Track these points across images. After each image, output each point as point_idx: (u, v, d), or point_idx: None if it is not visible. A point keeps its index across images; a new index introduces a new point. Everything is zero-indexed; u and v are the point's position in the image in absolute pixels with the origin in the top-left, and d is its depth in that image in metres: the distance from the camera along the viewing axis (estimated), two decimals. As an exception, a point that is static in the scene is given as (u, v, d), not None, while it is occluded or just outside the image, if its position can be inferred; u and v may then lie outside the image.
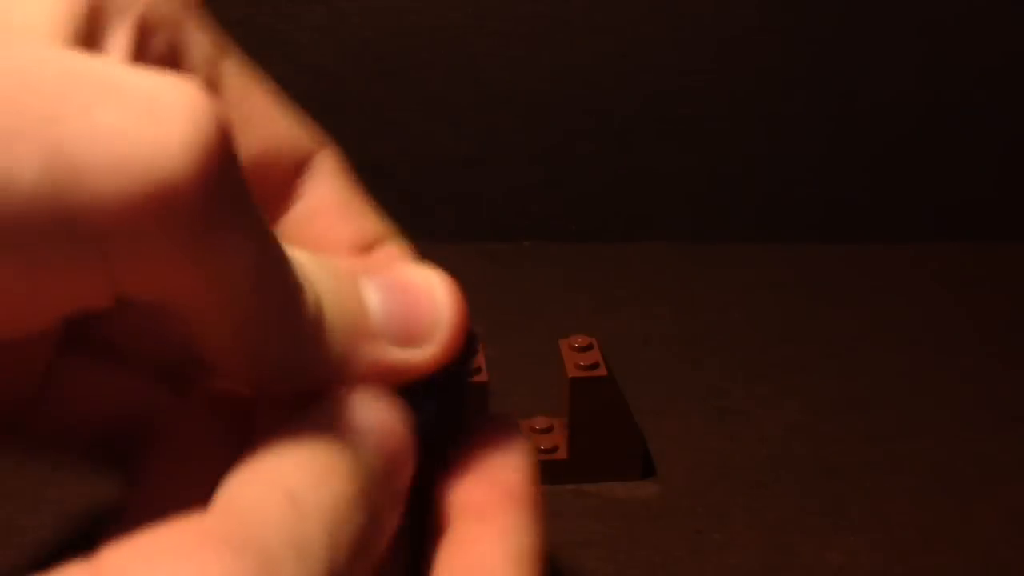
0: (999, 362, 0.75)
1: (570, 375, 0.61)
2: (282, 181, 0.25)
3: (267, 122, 0.25)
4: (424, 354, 0.23)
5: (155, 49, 0.23)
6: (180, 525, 0.18)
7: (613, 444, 0.63)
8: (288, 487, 0.19)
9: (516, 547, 0.22)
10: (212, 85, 0.24)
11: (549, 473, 0.63)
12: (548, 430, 0.65)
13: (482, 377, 0.61)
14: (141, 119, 0.17)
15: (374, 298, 0.23)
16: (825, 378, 0.73)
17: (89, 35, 0.22)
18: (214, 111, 0.18)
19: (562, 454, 0.63)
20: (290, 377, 0.21)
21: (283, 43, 0.89)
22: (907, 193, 0.91)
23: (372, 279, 0.23)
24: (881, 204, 0.92)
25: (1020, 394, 0.72)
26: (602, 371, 0.61)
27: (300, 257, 0.22)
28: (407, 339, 0.23)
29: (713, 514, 0.61)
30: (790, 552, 0.59)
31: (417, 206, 0.91)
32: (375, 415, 0.22)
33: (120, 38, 0.23)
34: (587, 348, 0.62)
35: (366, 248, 0.26)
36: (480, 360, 0.62)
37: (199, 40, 0.25)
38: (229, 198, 0.19)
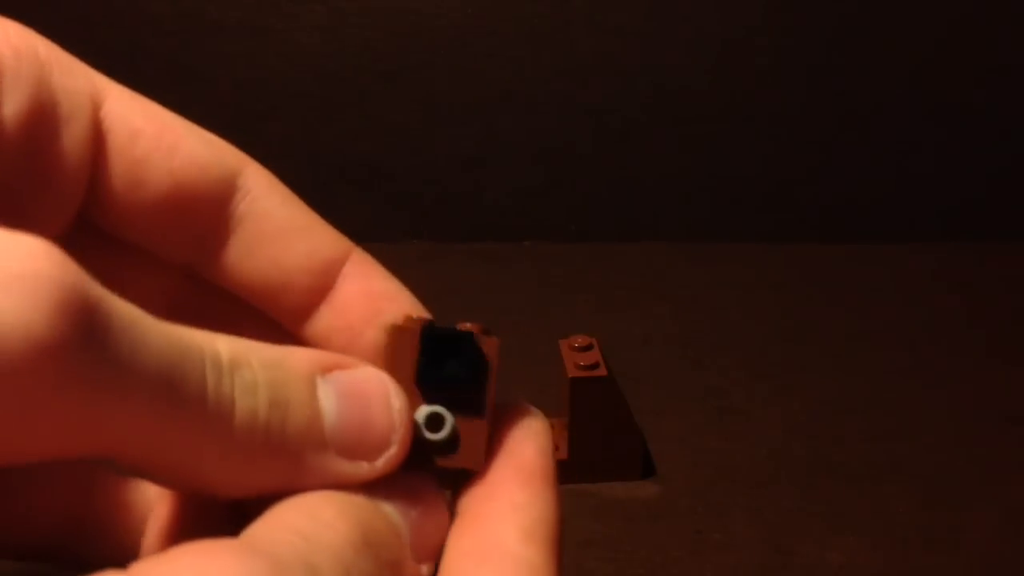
0: (999, 362, 0.75)
1: (570, 375, 0.61)
2: (211, 208, 0.24)
3: (172, 154, 0.23)
4: (371, 470, 0.22)
5: (15, 114, 0.22)
6: (204, 541, 0.18)
7: (613, 444, 0.63)
8: (300, 528, 0.19)
9: (530, 521, 0.22)
10: (97, 131, 0.23)
11: (549, 473, 0.63)
12: (548, 430, 0.65)
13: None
14: None
15: (329, 402, 0.22)
16: (825, 378, 0.73)
17: None
18: (54, 274, 0.17)
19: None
20: (233, 488, 0.21)
21: (283, 43, 0.89)
22: (907, 193, 0.91)
23: (328, 379, 0.22)
24: (881, 204, 0.92)
25: (1020, 394, 0.72)
26: (602, 371, 0.61)
27: (250, 361, 0.21)
28: (357, 451, 0.22)
29: (713, 514, 0.61)
30: (790, 552, 0.59)
31: (417, 206, 0.91)
32: (408, 484, 0.22)
33: None
34: (587, 348, 0.62)
35: (329, 268, 0.25)
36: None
37: (69, 88, 0.22)
38: (86, 356, 0.18)
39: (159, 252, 0.24)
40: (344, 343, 0.25)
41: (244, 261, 0.24)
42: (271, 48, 0.89)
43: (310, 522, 0.20)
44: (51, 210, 0.22)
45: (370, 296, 0.25)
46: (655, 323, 0.80)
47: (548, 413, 0.73)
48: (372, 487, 0.21)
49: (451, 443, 0.23)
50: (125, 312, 0.18)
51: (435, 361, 0.23)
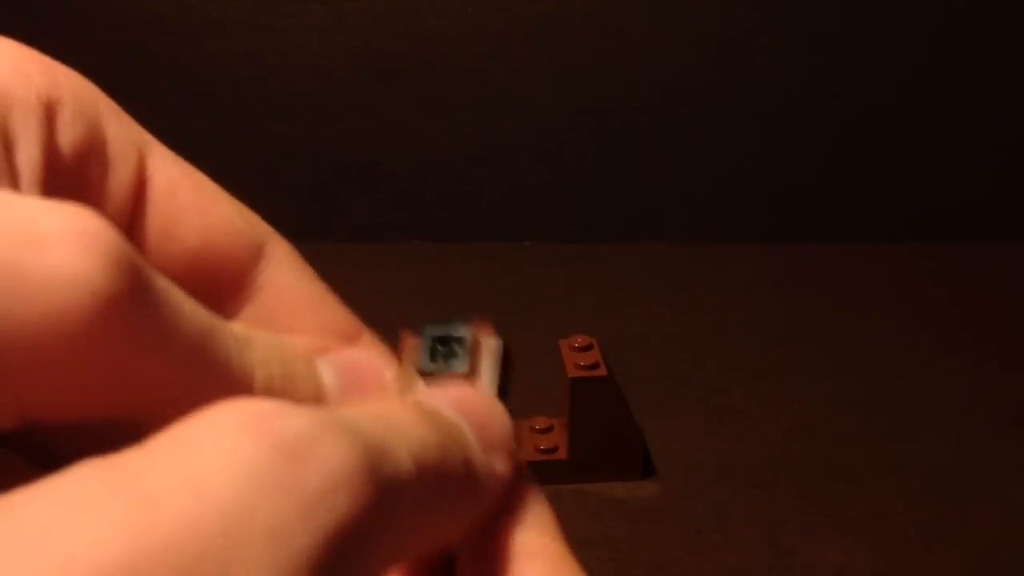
0: (998, 362, 0.75)
1: (570, 375, 0.61)
2: (235, 273, 0.25)
3: (206, 213, 0.24)
4: None
5: (70, 145, 0.23)
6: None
7: (613, 444, 0.63)
8: (367, 410, 0.21)
9: (537, 518, 0.23)
10: (141, 180, 0.24)
11: (549, 473, 0.64)
12: (548, 430, 0.65)
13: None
14: (21, 248, 0.17)
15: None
16: (825, 378, 0.73)
17: None
18: (102, 233, 0.18)
19: (562, 454, 0.64)
20: None
21: (283, 43, 0.89)
22: (906, 193, 0.91)
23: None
24: (880, 204, 0.92)
25: (1019, 394, 0.72)
26: (602, 371, 0.61)
27: (259, 339, 0.22)
28: None
29: (713, 514, 0.61)
30: (790, 552, 0.59)
31: (417, 206, 0.91)
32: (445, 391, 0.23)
33: (27, 136, 0.23)
34: (587, 348, 0.62)
35: (329, 347, 0.26)
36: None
37: (118, 135, 0.24)
38: (135, 312, 0.19)
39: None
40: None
41: (255, 323, 0.25)
42: (271, 48, 0.89)
43: (361, 406, 0.21)
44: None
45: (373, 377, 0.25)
46: (655, 323, 0.80)
47: (548, 413, 0.73)
48: (425, 397, 0.23)
49: None
50: (162, 279, 0.19)
51: (434, 359, 0.25)
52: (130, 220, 0.24)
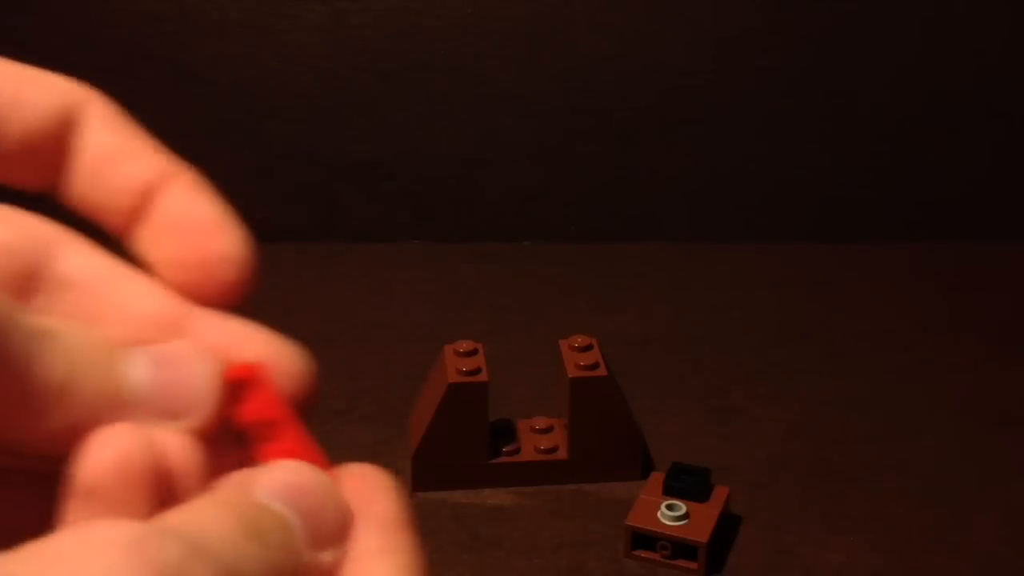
0: (999, 362, 0.75)
1: (570, 375, 0.61)
2: (55, 146, 0.26)
3: (19, 107, 0.26)
4: (182, 427, 0.24)
5: None
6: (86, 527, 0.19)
7: (613, 444, 0.63)
8: (181, 520, 0.21)
9: (402, 563, 0.23)
10: None
11: (549, 473, 0.64)
12: (548, 430, 0.65)
13: (482, 377, 0.61)
14: None
15: (137, 369, 0.24)
16: (825, 378, 0.73)
17: None
18: None
19: (562, 454, 0.64)
20: (38, 445, 0.23)
21: (283, 43, 0.89)
22: (906, 193, 0.91)
23: (138, 350, 0.24)
24: (880, 204, 0.92)
25: (1019, 394, 0.72)
26: (602, 371, 0.61)
27: (55, 330, 0.23)
28: (167, 412, 0.24)
29: (713, 514, 0.61)
30: (790, 552, 0.59)
31: (417, 206, 0.91)
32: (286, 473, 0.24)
33: None
34: (587, 348, 0.62)
35: (150, 191, 0.26)
36: (480, 360, 0.62)
37: None
38: None
39: (22, 186, 0.26)
40: (154, 255, 0.26)
41: (80, 185, 0.27)
42: (271, 48, 0.89)
43: (193, 515, 0.21)
44: None
45: (180, 218, 0.26)
46: (655, 323, 0.80)
47: (548, 413, 0.73)
48: (254, 486, 0.23)
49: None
50: None
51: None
52: None
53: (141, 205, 0.26)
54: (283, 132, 0.90)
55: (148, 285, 0.26)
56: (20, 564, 0.17)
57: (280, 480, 0.23)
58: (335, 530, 0.23)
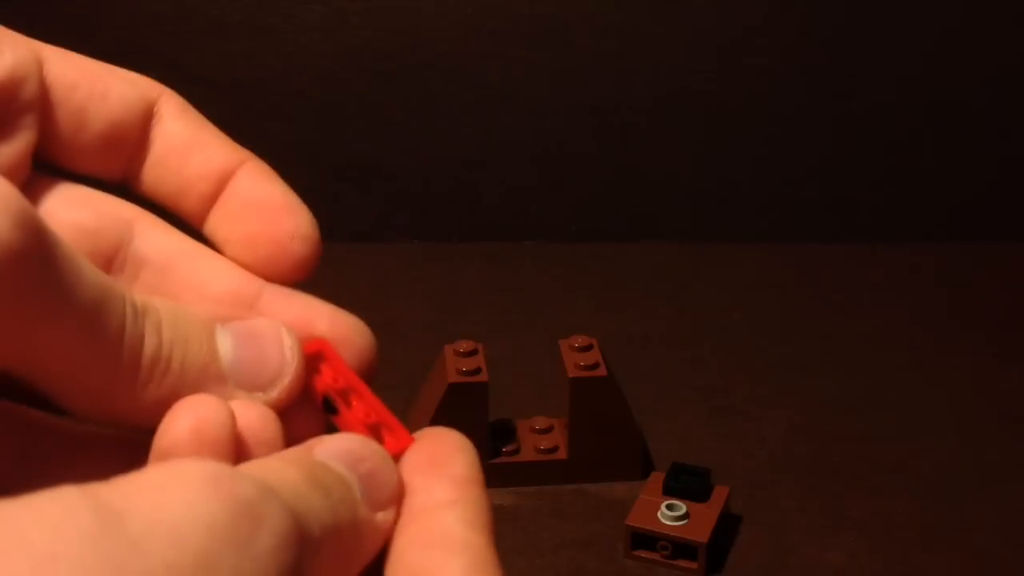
0: (998, 362, 0.75)
1: (570, 375, 0.61)
2: (136, 136, 0.28)
3: (106, 98, 0.28)
4: (267, 399, 0.26)
5: None
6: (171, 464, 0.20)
7: (613, 444, 0.63)
8: (252, 470, 0.22)
9: (470, 513, 0.24)
10: (43, 87, 0.26)
11: (549, 473, 0.64)
12: (548, 430, 0.65)
13: (482, 377, 0.61)
14: None
15: (226, 344, 0.26)
16: (825, 378, 0.73)
17: None
18: (10, 195, 0.20)
19: (562, 454, 0.64)
20: (139, 414, 0.24)
21: (283, 43, 0.89)
22: (907, 193, 0.91)
23: (226, 326, 0.26)
24: (881, 204, 0.92)
25: (1019, 394, 0.72)
26: (602, 371, 0.61)
27: (155, 306, 0.24)
28: (253, 384, 0.26)
29: (713, 514, 0.61)
30: (790, 552, 0.59)
31: (417, 206, 0.91)
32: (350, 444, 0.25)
33: None
34: (587, 348, 0.62)
35: (223, 176, 0.28)
36: (480, 360, 0.62)
37: (16, 52, 0.27)
38: (37, 269, 0.21)
39: (99, 175, 0.28)
40: (227, 236, 0.28)
41: (154, 174, 0.28)
42: (271, 48, 0.89)
43: (262, 468, 0.22)
44: (11, 157, 0.26)
45: (252, 199, 0.28)
46: (655, 323, 0.80)
47: (548, 413, 0.73)
48: (315, 449, 0.24)
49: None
50: (65, 244, 0.21)
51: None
52: (41, 123, 0.26)
53: (215, 191, 0.28)
54: (283, 132, 0.90)
55: (223, 264, 0.28)
56: (113, 491, 0.18)
57: (339, 446, 0.24)
58: (389, 495, 0.24)
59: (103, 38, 0.87)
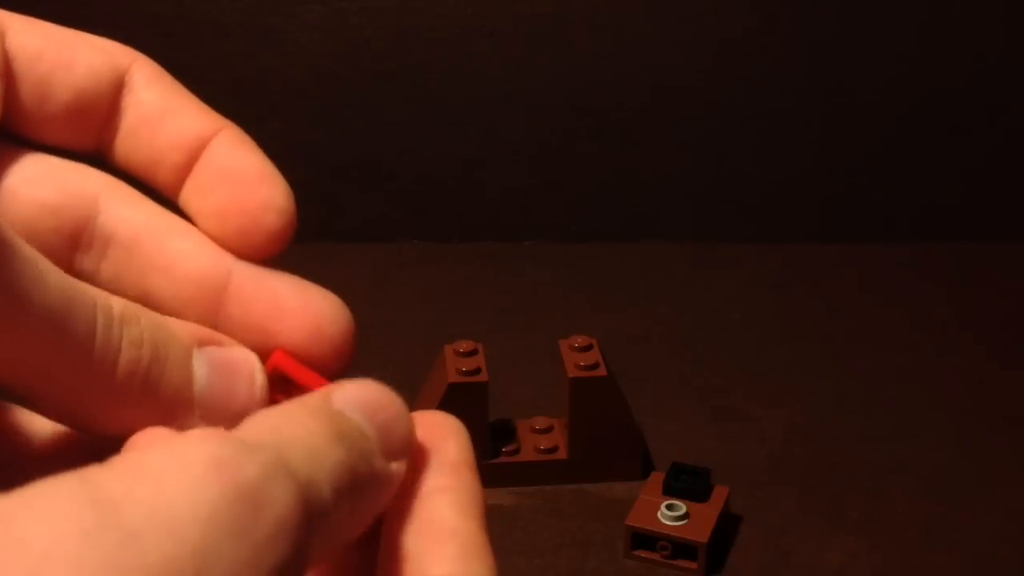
0: (998, 362, 0.75)
1: (570, 375, 0.61)
2: (106, 106, 0.27)
3: (71, 69, 0.27)
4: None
5: None
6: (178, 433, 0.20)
7: (613, 444, 0.63)
8: (274, 424, 0.22)
9: (462, 499, 0.24)
10: (5, 59, 0.26)
11: (549, 473, 0.64)
12: (548, 430, 0.65)
13: (482, 377, 0.61)
14: None
15: (201, 371, 0.25)
16: (825, 378, 0.73)
17: None
18: None
19: (562, 454, 0.64)
20: (109, 427, 0.24)
21: (283, 43, 0.89)
22: (906, 193, 0.91)
23: (203, 352, 0.25)
24: (880, 204, 0.92)
25: (1018, 394, 0.72)
26: (602, 371, 0.61)
27: (136, 318, 0.24)
28: (218, 418, 0.25)
29: (713, 514, 0.61)
30: (790, 552, 0.59)
31: (417, 206, 0.91)
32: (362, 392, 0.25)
33: None
34: (587, 348, 0.62)
35: (197, 145, 0.27)
36: (480, 360, 0.62)
37: None
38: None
39: (69, 146, 0.27)
40: (199, 207, 0.27)
41: (127, 144, 0.27)
42: (271, 48, 0.89)
43: (283, 420, 0.22)
44: None
45: (225, 169, 0.27)
46: (655, 323, 0.80)
47: (548, 413, 0.73)
48: (334, 398, 0.24)
49: None
50: (27, 249, 0.21)
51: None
52: (4, 95, 0.26)
53: (188, 161, 0.27)
54: (283, 132, 0.90)
55: (193, 240, 0.27)
56: (113, 477, 0.18)
57: (357, 394, 0.24)
58: (403, 445, 0.24)
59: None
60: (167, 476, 0.19)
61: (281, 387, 0.26)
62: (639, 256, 0.88)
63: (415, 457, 0.25)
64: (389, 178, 0.91)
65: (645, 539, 0.58)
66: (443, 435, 0.26)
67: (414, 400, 0.65)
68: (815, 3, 0.89)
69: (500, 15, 0.88)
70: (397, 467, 0.24)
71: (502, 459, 0.63)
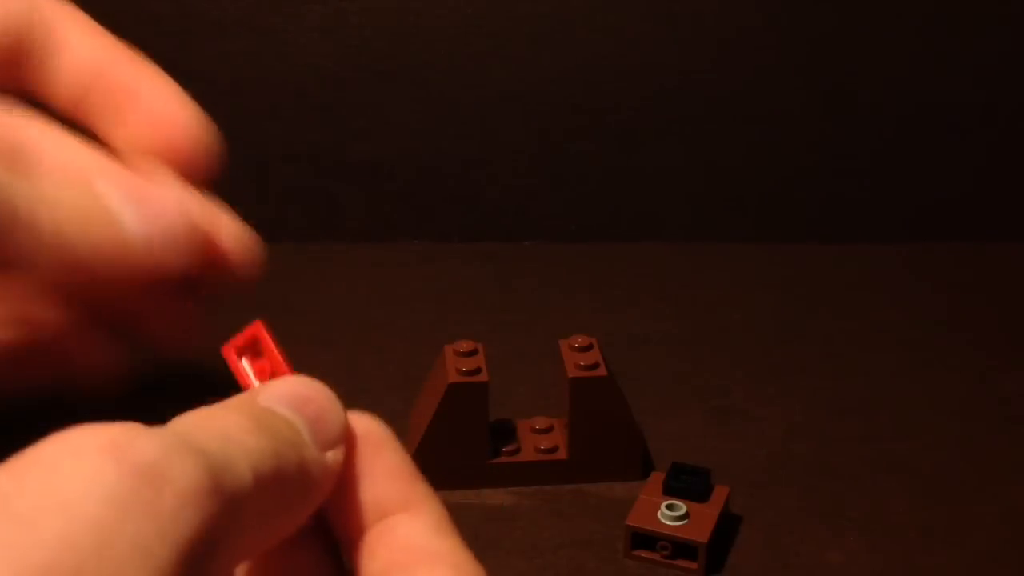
0: (997, 362, 0.75)
1: (570, 375, 0.61)
2: (22, 54, 0.30)
3: None
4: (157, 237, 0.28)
5: None
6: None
7: (613, 444, 0.63)
8: (191, 421, 0.23)
9: (433, 517, 0.25)
10: None
11: (549, 473, 0.64)
12: (548, 430, 0.65)
13: (482, 377, 0.61)
14: None
15: (127, 215, 0.28)
16: (825, 378, 0.73)
17: None
18: None
19: (562, 454, 0.64)
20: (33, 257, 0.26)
21: (283, 43, 0.89)
22: (905, 193, 0.91)
23: (116, 196, 0.28)
24: (880, 204, 0.92)
25: (1018, 394, 0.72)
26: (602, 371, 0.61)
27: (41, 191, 0.26)
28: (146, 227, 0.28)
29: (713, 514, 0.61)
30: (790, 552, 0.59)
31: (417, 206, 0.91)
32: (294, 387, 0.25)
33: None
34: (587, 348, 0.62)
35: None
36: (480, 360, 0.62)
37: None
38: None
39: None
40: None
41: (66, 92, 0.31)
42: (271, 48, 0.89)
43: (201, 415, 0.23)
44: None
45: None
46: (655, 323, 0.80)
47: (548, 413, 0.73)
48: (259, 396, 0.25)
49: None
50: None
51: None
52: None
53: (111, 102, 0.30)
54: (283, 132, 0.90)
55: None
56: (2, 473, 0.19)
57: (284, 390, 0.25)
58: (337, 434, 0.25)
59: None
60: (60, 463, 0.19)
61: (252, 354, 0.27)
62: (639, 256, 0.88)
63: (362, 468, 0.26)
64: (389, 178, 0.91)
65: (645, 539, 0.58)
66: (376, 442, 0.27)
67: (414, 400, 0.65)
68: (815, 3, 0.89)
69: (500, 15, 0.88)
70: (333, 456, 0.24)
71: (502, 459, 0.63)
